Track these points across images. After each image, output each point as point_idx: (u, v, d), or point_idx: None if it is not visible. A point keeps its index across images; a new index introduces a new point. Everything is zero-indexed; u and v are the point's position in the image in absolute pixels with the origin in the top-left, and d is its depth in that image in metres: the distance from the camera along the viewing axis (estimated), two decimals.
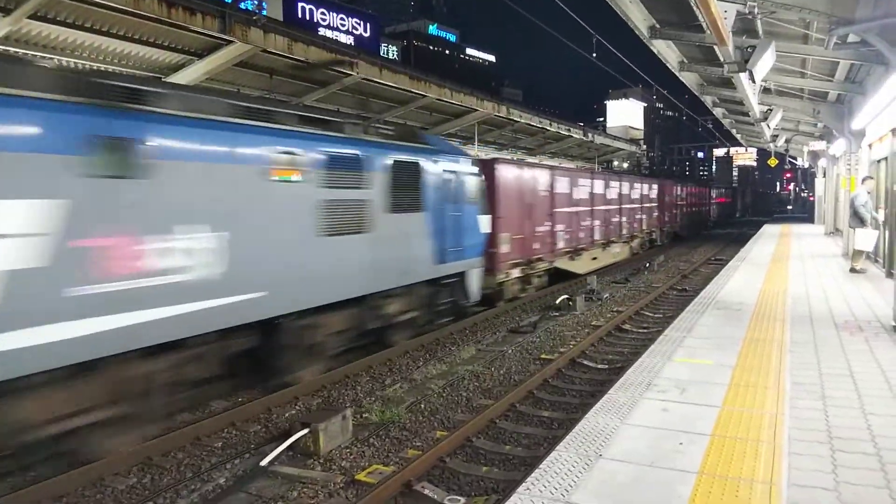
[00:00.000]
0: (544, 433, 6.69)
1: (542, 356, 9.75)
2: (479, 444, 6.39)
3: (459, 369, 9.07)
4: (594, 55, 18.89)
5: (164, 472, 5.85)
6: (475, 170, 11.68)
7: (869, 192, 13.07)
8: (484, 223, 11.79)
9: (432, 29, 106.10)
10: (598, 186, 20.46)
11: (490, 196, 12.65)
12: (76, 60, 9.16)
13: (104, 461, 5.75)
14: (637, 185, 25.18)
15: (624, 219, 22.86)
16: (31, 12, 7.74)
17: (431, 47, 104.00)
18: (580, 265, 18.36)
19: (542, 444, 6.34)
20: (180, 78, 10.24)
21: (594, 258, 19.61)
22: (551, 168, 17.53)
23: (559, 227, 16.85)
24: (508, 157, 22.60)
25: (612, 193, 21.84)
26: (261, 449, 6.26)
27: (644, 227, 26.02)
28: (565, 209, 17.35)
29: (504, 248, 13.59)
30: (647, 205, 26.71)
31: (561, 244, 17.01)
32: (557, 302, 13.64)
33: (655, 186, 28.27)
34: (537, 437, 6.59)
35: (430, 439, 6.55)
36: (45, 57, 8.54)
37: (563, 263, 17.13)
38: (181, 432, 6.49)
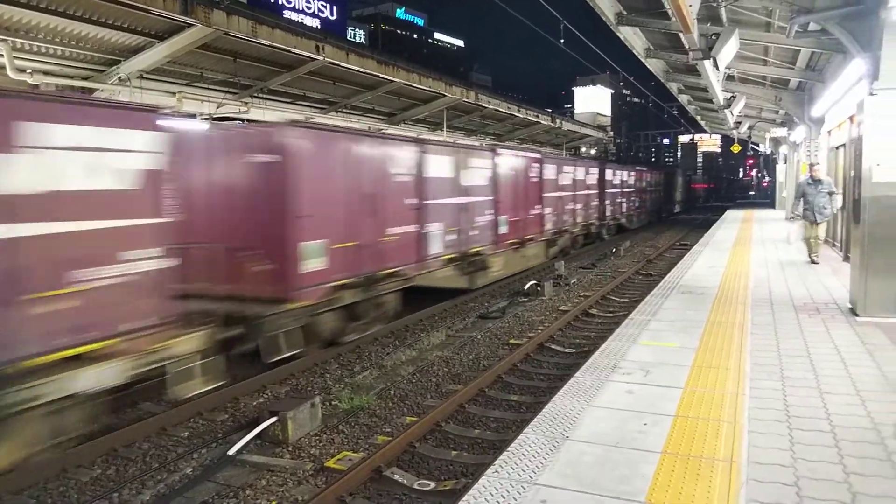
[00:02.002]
0: (513, 417, 6.76)
1: (511, 341, 9.83)
2: (449, 428, 6.43)
3: (429, 355, 9.09)
4: (562, 41, 18.96)
5: (130, 463, 5.77)
6: None
7: (816, 181, 11.64)
8: None
9: (400, 13, 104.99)
10: None
11: None
12: (31, 42, 8.85)
13: (68, 452, 5.64)
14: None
15: None
16: None
17: (399, 31, 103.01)
18: None
19: (511, 428, 6.41)
20: (141, 61, 9.97)
21: None
22: None
23: None
24: None
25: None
26: (228, 438, 6.21)
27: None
28: None
29: None
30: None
31: None
32: (526, 287, 13.74)
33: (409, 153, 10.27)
34: (506, 421, 6.66)
35: (400, 425, 6.57)
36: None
37: None
38: (146, 423, 6.40)
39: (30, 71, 9.04)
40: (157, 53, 9.88)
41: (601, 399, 4.94)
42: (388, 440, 6.00)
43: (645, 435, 4.22)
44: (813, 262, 12.22)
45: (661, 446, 4.03)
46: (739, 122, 29.35)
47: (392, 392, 7.59)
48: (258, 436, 6.05)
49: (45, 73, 9.44)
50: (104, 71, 10.17)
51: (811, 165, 12.33)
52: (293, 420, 6.11)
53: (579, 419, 4.52)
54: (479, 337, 10.11)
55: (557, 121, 27.45)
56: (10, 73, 8.48)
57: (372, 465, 5.40)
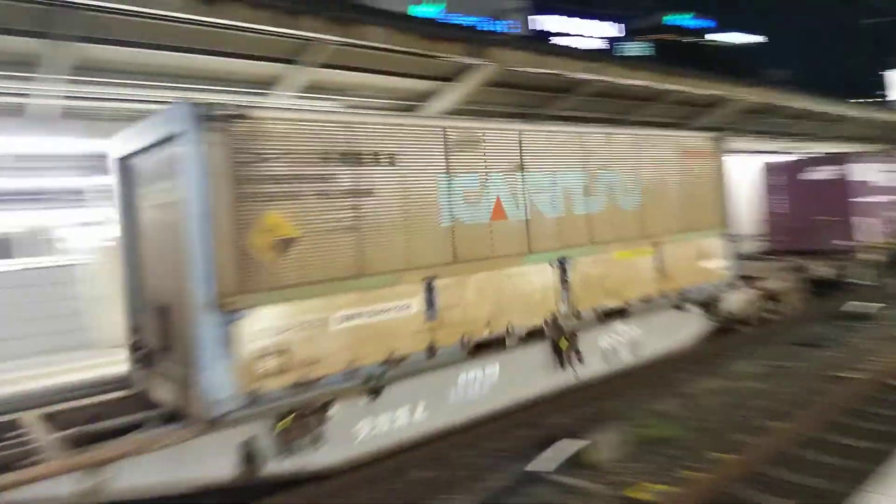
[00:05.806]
0: (845, 464, 5.74)
1: (837, 374, 8.43)
2: (766, 470, 5.71)
3: (738, 385, 8.26)
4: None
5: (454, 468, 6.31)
6: None
7: None
8: None
9: (683, 19, 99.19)
10: None
11: None
12: (352, 98, 10.29)
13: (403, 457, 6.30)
14: None
15: None
16: (328, 62, 8.90)
17: (684, 39, 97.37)
18: None
19: (845, 478, 5.42)
20: (437, 104, 10.96)
21: None
22: None
23: None
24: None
25: None
26: (529, 453, 6.32)
27: None
28: None
29: None
30: None
31: None
32: (853, 309, 11.70)
33: None
34: (836, 468, 5.68)
35: (706, 460, 6.04)
36: (334, 99, 9.85)
37: None
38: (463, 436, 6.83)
39: None
40: (454, 94, 10.83)
41: None
42: (695, 475, 5.55)
43: None
44: None
45: None
46: None
47: (698, 423, 7.04)
48: (557, 453, 6.12)
49: None
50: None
51: None
52: (601, 443, 6.14)
53: None
54: (796, 367, 8.88)
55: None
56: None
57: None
